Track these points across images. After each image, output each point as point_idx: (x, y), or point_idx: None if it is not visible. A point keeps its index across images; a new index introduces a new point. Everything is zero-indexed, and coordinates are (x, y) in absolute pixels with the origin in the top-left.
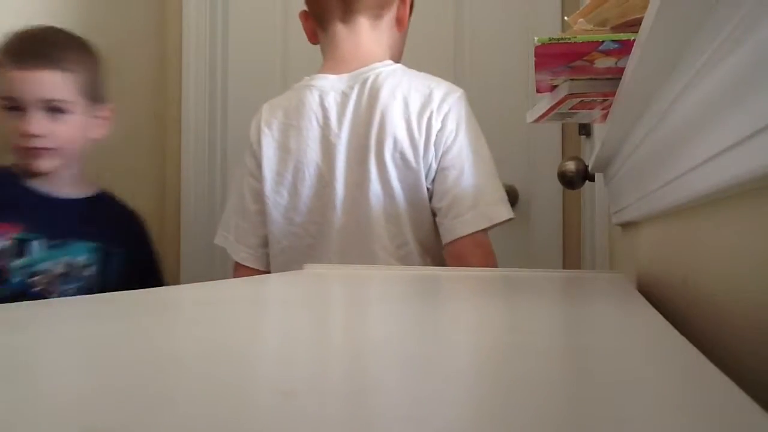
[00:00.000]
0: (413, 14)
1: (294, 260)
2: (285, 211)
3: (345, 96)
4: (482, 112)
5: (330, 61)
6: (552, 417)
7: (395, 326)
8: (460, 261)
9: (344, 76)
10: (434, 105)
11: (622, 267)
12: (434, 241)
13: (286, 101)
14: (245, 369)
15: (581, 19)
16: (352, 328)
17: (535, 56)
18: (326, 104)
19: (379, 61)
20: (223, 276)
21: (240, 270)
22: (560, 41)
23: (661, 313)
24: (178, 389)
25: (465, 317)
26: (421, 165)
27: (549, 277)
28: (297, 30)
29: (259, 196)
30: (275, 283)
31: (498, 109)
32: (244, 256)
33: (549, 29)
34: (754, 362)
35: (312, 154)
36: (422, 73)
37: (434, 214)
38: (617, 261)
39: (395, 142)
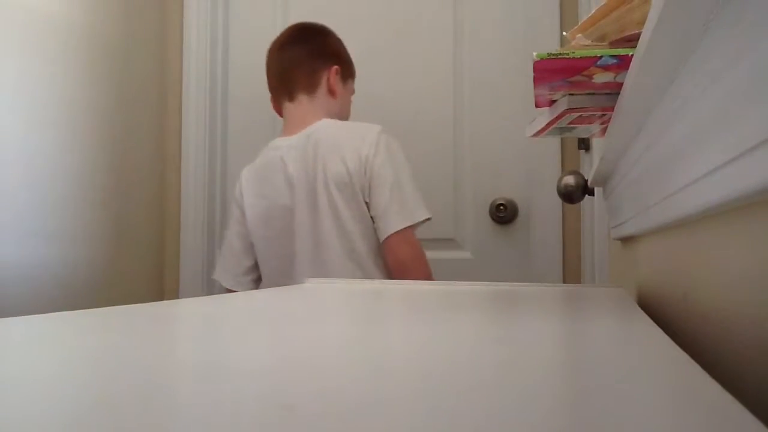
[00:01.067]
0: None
1: (279, 276)
2: (265, 241)
3: (296, 149)
4: (482, 127)
5: (287, 128)
6: (549, 428)
7: (395, 340)
8: (392, 254)
9: (294, 137)
10: (362, 140)
11: (622, 281)
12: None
13: (259, 162)
14: (245, 382)
15: (580, 35)
16: (352, 341)
17: (534, 71)
18: (285, 158)
19: (318, 121)
20: (220, 284)
21: (227, 293)
22: (559, 56)
23: (661, 327)
24: (177, 403)
25: (464, 331)
26: (357, 187)
27: (549, 291)
28: None
29: (243, 236)
30: (276, 296)
31: (497, 123)
32: (231, 282)
33: (548, 44)
34: (755, 377)
35: (280, 195)
36: (350, 122)
37: (373, 221)
38: (617, 275)
39: (336, 173)
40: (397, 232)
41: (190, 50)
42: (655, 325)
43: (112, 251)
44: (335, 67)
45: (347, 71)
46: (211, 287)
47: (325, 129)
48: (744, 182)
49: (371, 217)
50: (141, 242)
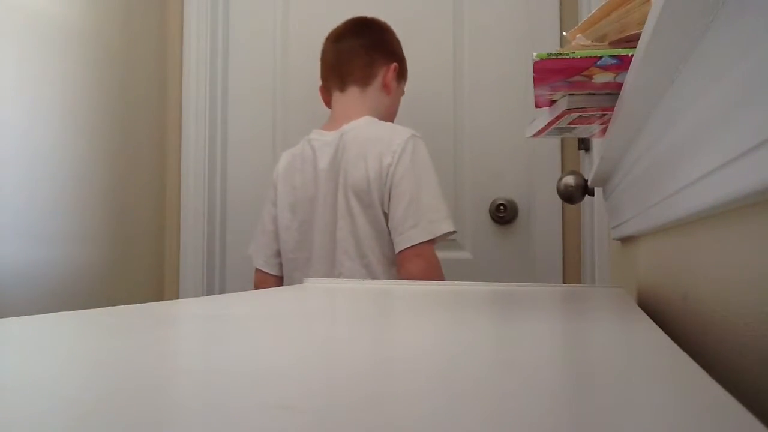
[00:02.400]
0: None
1: (297, 268)
2: (288, 231)
3: (329, 147)
4: (482, 127)
5: (329, 122)
6: (550, 429)
7: (394, 340)
8: (403, 268)
9: (332, 133)
10: (387, 146)
11: (622, 281)
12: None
13: (296, 151)
14: (244, 383)
15: (580, 35)
16: (351, 341)
17: (533, 71)
18: (318, 153)
19: (359, 118)
20: (220, 284)
21: (257, 273)
22: (559, 56)
23: (661, 328)
24: (177, 404)
25: (464, 331)
26: (375, 195)
27: (549, 291)
28: (296, 40)
29: (275, 219)
30: (275, 297)
31: (497, 123)
32: (260, 262)
33: (548, 45)
34: (755, 378)
35: (307, 189)
36: (384, 125)
37: (391, 233)
38: (617, 275)
39: (355, 180)
40: (410, 247)
41: (190, 50)
42: (655, 325)
43: (112, 251)
44: (395, 64)
45: (403, 72)
46: (212, 287)
47: (357, 130)
48: (744, 183)
49: (388, 229)
50: (141, 242)
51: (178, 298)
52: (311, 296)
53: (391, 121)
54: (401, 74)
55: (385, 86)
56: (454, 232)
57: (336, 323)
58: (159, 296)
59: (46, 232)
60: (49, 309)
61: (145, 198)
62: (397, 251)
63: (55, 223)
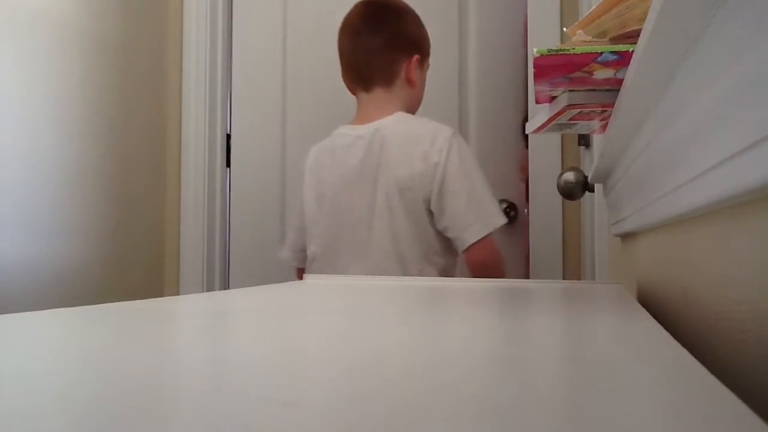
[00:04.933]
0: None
1: (320, 263)
2: (315, 225)
3: (363, 140)
4: (482, 125)
5: (357, 117)
6: (550, 425)
7: (395, 336)
8: (471, 263)
9: (363, 127)
10: (431, 145)
11: (622, 278)
12: (438, 252)
13: (325, 145)
14: (244, 379)
15: (580, 31)
16: (351, 337)
17: (534, 67)
18: (350, 148)
19: (390, 115)
20: (221, 280)
21: (296, 271)
22: (559, 52)
23: (661, 323)
24: (176, 400)
25: (464, 327)
26: (420, 193)
27: (549, 287)
28: (296, 44)
29: (301, 214)
30: (275, 293)
31: (498, 121)
32: (289, 256)
33: (548, 41)
34: (754, 374)
35: (337, 184)
36: (421, 118)
37: (444, 231)
38: (617, 271)
39: (399, 176)
40: (476, 243)
41: (189, 47)
42: (654, 320)
43: (112, 247)
44: (415, 56)
45: (425, 54)
46: (212, 284)
47: (395, 126)
48: (744, 179)
49: (442, 228)
50: (141, 238)
51: (178, 294)
52: (312, 292)
53: (418, 108)
54: (424, 58)
55: (409, 81)
56: (508, 222)
57: (336, 319)
58: (159, 292)
59: (46, 228)
60: (49, 305)
61: (145, 194)
62: (462, 249)
63: (55, 219)
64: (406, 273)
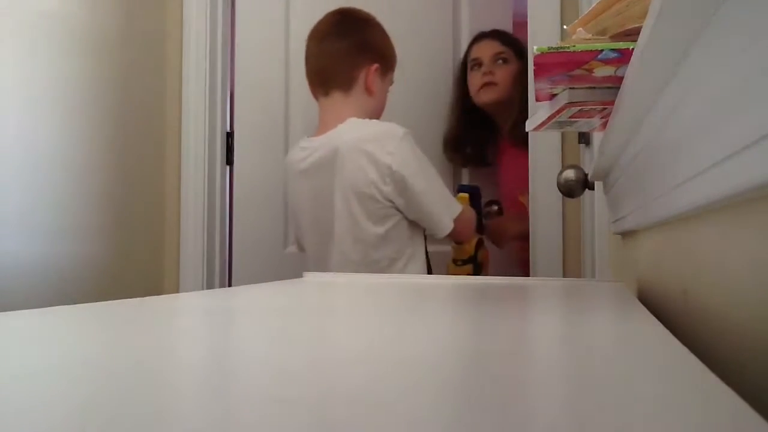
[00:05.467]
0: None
1: (308, 265)
2: (298, 231)
3: (318, 152)
4: None
5: (319, 126)
6: (552, 423)
7: (392, 333)
8: (453, 239)
9: (319, 139)
10: (381, 149)
11: (622, 276)
12: (407, 243)
13: (290, 157)
14: (243, 376)
15: (580, 28)
16: (347, 334)
17: (534, 65)
18: (307, 160)
19: (344, 121)
20: (220, 278)
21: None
22: (559, 50)
23: (661, 321)
24: (173, 396)
25: (465, 324)
26: (379, 196)
27: (549, 285)
28: (299, 42)
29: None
30: (274, 290)
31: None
32: (298, 249)
33: (548, 38)
34: (754, 373)
35: (300, 195)
36: (372, 124)
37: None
38: (617, 270)
39: (353, 182)
40: (450, 230)
41: (189, 43)
42: (655, 319)
43: (112, 245)
44: (375, 65)
45: (387, 65)
46: (211, 282)
47: (347, 133)
48: (745, 177)
49: (408, 221)
50: (140, 236)
51: (177, 292)
52: (311, 290)
53: (378, 118)
54: (386, 69)
55: (367, 89)
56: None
57: (335, 317)
58: (158, 290)
59: (45, 225)
60: (50, 303)
61: (144, 191)
62: (441, 237)
63: (54, 216)
64: (372, 271)
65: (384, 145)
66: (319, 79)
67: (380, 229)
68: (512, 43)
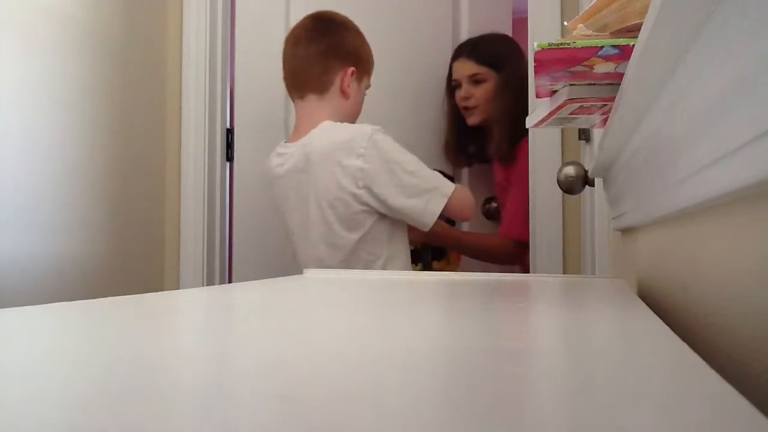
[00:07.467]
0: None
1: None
2: (289, 236)
3: (292, 158)
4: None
5: (294, 130)
6: (552, 420)
7: (393, 331)
8: (453, 218)
9: (294, 145)
10: (349, 152)
11: (622, 272)
12: (384, 245)
13: (267, 163)
14: (244, 373)
15: (581, 25)
16: (347, 331)
17: (534, 61)
18: (283, 166)
19: (318, 126)
20: (221, 275)
21: None
22: (560, 46)
23: (661, 318)
24: (175, 393)
25: (465, 321)
26: (351, 199)
27: (550, 281)
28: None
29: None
30: (274, 287)
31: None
32: None
33: (549, 34)
34: (754, 369)
35: (278, 198)
36: (343, 124)
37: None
38: (618, 266)
39: (324, 187)
40: (438, 219)
41: (189, 43)
42: (655, 315)
43: (112, 242)
44: (351, 68)
45: (363, 69)
46: (211, 279)
47: (319, 138)
48: (745, 174)
49: (401, 218)
50: (141, 233)
51: (178, 288)
52: (311, 287)
53: (353, 122)
54: (362, 73)
55: (343, 92)
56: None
57: (335, 314)
58: (159, 287)
59: (46, 223)
60: (50, 299)
61: (144, 188)
62: (427, 230)
63: (54, 213)
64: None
65: (353, 148)
66: (295, 82)
67: (355, 236)
68: (488, 58)
